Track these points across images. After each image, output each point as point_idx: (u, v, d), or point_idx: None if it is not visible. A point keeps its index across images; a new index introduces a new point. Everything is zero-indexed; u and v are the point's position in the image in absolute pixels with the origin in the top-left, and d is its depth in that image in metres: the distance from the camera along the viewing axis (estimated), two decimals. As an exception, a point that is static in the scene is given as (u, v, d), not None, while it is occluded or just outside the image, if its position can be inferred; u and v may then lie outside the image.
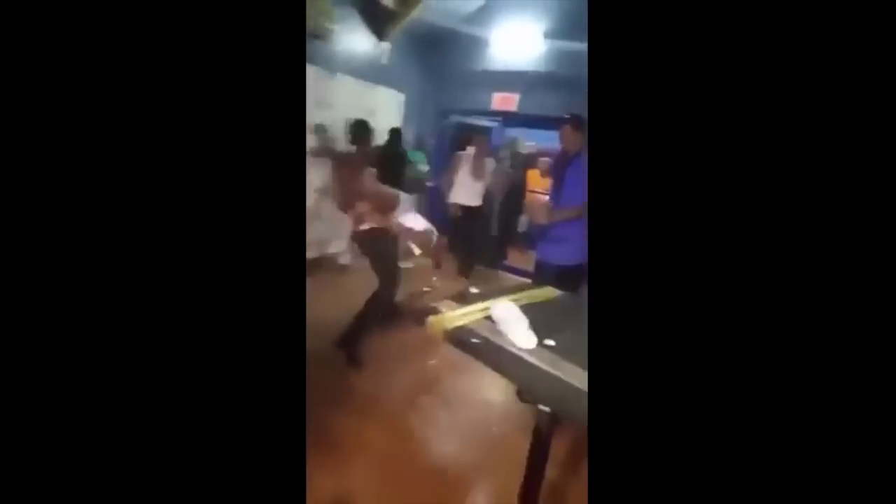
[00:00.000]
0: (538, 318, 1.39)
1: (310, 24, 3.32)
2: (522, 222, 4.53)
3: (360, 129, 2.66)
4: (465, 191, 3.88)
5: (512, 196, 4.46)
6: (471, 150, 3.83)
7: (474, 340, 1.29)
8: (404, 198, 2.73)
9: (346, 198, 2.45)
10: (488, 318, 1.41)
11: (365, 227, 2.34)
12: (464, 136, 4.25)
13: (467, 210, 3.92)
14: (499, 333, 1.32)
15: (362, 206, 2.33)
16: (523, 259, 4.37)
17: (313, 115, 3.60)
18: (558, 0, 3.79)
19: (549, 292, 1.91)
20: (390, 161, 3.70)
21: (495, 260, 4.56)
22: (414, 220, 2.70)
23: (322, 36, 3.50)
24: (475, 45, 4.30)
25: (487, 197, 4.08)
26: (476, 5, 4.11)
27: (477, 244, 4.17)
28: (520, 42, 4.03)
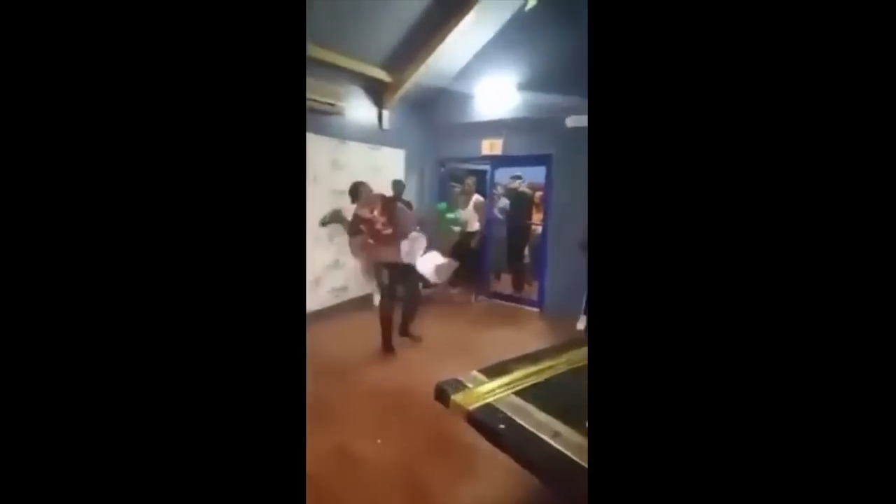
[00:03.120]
0: (571, 392, 1.34)
1: (320, 103, 3.56)
2: (526, 254, 4.71)
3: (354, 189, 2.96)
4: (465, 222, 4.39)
5: (515, 232, 4.67)
6: (464, 187, 4.38)
7: (501, 427, 1.25)
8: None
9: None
10: (517, 393, 1.40)
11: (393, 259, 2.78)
12: (459, 179, 4.59)
13: (467, 234, 4.36)
14: (526, 414, 1.29)
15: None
16: (528, 289, 4.59)
17: (330, 177, 3.89)
18: (528, 56, 4.03)
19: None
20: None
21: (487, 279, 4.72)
22: (433, 258, 3.02)
23: (332, 112, 3.75)
24: (461, 101, 4.47)
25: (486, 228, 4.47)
26: (459, 66, 4.31)
27: (473, 260, 4.46)
28: (498, 95, 4.22)
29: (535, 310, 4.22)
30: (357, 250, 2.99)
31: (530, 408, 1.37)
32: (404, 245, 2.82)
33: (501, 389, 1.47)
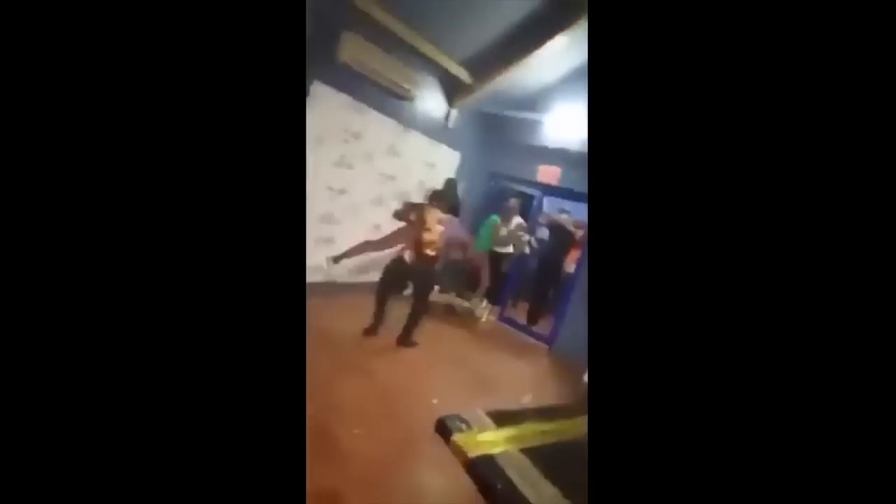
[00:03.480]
0: (564, 458, 1.25)
1: (391, 83, 3.48)
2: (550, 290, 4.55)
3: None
4: (501, 240, 4.26)
5: (546, 264, 4.50)
6: (508, 205, 4.26)
7: (499, 486, 1.14)
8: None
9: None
10: (524, 450, 1.29)
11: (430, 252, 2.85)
12: (506, 198, 4.41)
13: (503, 255, 4.26)
14: (530, 480, 1.19)
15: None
16: (542, 324, 4.40)
17: (384, 161, 3.82)
18: None
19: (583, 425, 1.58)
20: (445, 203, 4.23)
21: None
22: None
23: (402, 96, 3.66)
24: (530, 122, 4.30)
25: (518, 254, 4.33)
26: (540, 85, 4.17)
27: (506, 286, 4.35)
28: (570, 124, 4.04)
29: (544, 346, 4.07)
30: (403, 236, 3.06)
31: (535, 472, 1.24)
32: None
33: (508, 441, 1.35)
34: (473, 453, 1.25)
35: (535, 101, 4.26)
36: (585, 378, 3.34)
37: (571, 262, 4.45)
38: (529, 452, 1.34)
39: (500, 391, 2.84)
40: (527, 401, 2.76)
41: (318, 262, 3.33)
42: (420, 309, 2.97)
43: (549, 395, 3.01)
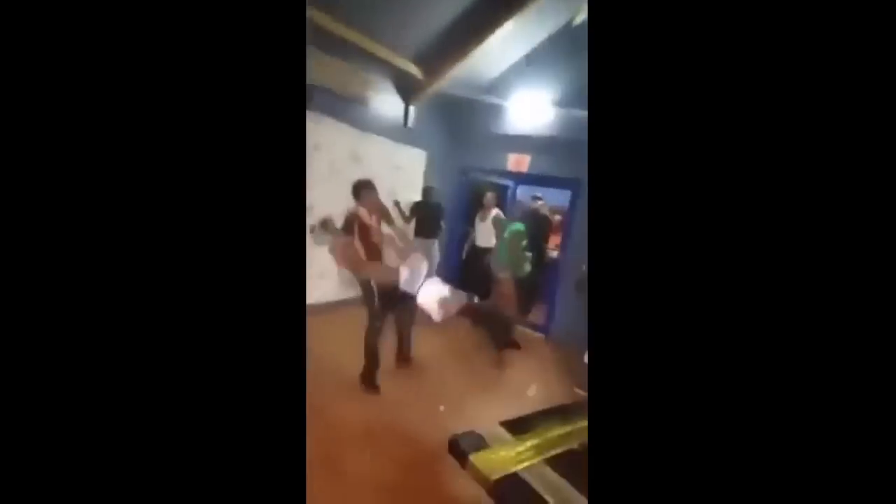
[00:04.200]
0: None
1: (344, 88, 3.29)
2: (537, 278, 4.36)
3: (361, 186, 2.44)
4: (483, 235, 4.06)
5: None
6: (485, 200, 4.01)
7: None
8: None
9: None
10: (549, 461, 1.16)
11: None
12: (481, 192, 4.23)
13: (483, 250, 4.03)
14: (563, 497, 1.06)
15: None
16: (535, 313, 4.30)
17: (349, 169, 3.59)
18: (565, 72, 3.77)
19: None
20: (427, 214, 3.99)
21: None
22: (437, 288, 2.34)
23: (355, 100, 3.47)
24: (493, 110, 4.20)
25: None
26: (495, 73, 4.03)
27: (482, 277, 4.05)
28: (532, 109, 3.96)
29: (540, 335, 3.97)
30: (341, 258, 2.41)
31: (566, 486, 1.10)
32: (403, 271, 2.25)
33: (530, 454, 1.20)
34: (496, 474, 1.10)
35: (493, 87, 4.13)
36: (586, 358, 3.26)
37: (553, 248, 4.36)
38: (554, 462, 1.20)
39: (503, 387, 2.73)
40: (532, 393, 2.66)
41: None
42: (408, 330, 2.66)
43: (553, 382, 2.93)
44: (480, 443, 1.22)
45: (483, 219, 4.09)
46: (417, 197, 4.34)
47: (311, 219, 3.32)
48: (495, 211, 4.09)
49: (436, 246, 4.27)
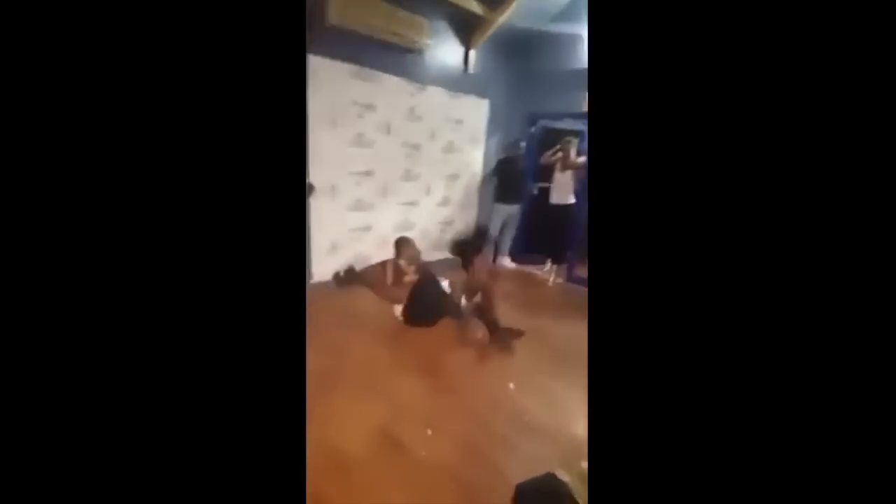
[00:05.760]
0: None
1: (399, 37, 2.94)
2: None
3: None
4: (560, 190, 3.67)
5: None
6: (560, 153, 3.57)
7: None
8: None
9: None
10: None
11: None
12: (552, 141, 3.73)
13: (560, 208, 3.69)
14: None
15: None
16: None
17: (406, 128, 3.35)
18: None
19: None
20: (510, 174, 3.76)
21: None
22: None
23: (415, 50, 3.13)
24: (566, 43, 3.54)
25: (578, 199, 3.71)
26: (565, 1, 3.33)
27: (572, 241, 3.73)
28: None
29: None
30: (382, 294, 2.73)
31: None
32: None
33: None
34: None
35: (565, 14, 3.45)
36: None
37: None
38: None
39: (582, 363, 2.37)
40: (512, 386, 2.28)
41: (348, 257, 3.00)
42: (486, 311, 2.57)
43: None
44: (564, 494, 0.94)
45: (562, 170, 3.59)
46: (480, 152, 3.97)
47: (374, 183, 3.16)
48: (582, 159, 3.54)
49: (517, 214, 3.91)
